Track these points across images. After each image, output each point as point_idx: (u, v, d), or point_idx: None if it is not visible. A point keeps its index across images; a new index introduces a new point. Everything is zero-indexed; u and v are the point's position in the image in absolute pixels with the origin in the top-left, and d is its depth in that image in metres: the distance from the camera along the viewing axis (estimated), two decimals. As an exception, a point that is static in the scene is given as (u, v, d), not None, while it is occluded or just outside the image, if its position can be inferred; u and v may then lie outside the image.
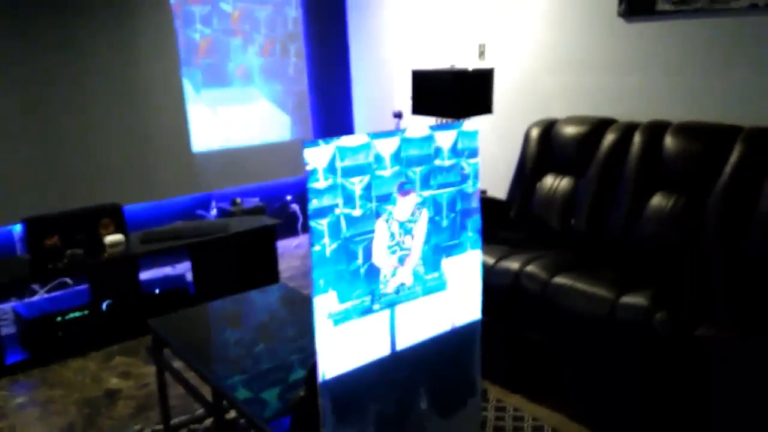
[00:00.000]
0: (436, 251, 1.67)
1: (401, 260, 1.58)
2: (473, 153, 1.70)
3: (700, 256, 2.60)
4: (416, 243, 1.61)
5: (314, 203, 1.39)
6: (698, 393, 2.13)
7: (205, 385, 2.19)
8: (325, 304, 1.45)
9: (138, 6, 4.17)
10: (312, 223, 1.40)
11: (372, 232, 1.51)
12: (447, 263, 1.70)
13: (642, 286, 2.39)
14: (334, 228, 1.44)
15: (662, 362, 2.22)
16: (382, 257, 1.54)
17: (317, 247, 1.41)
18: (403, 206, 1.57)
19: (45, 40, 3.86)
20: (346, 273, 1.48)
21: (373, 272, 1.53)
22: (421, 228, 1.61)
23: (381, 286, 1.55)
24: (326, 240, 1.42)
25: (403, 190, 1.56)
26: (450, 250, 1.70)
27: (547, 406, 2.65)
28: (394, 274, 1.58)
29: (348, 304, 1.50)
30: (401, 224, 1.57)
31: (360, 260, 1.50)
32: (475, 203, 1.74)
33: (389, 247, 1.55)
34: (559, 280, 2.59)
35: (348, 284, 1.49)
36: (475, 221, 1.75)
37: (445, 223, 1.68)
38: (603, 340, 2.41)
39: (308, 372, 1.59)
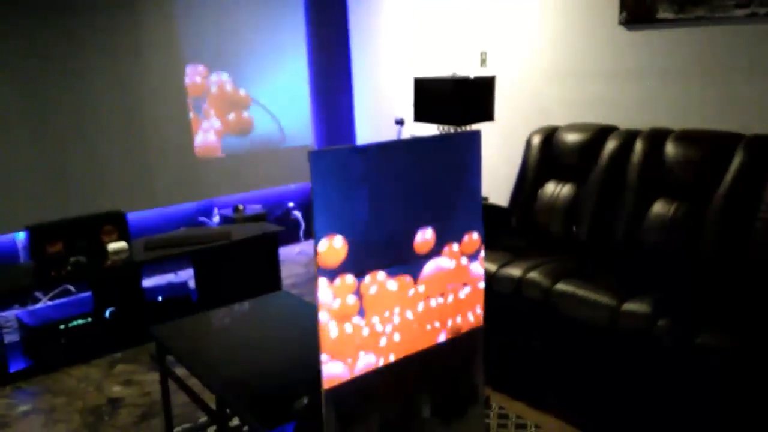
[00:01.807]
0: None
1: None
2: None
3: (701, 263, 2.61)
4: None
5: None
6: (700, 400, 2.13)
7: (207, 392, 2.19)
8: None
9: (140, 7, 4.21)
10: None
11: None
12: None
13: (644, 294, 2.39)
14: None
15: (664, 369, 2.22)
16: None
17: None
18: None
19: (48, 45, 3.89)
20: None
21: None
22: None
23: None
24: None
25: None
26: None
27: (549, 413, 2.65)
28: None
29: None
30: None
31: None
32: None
33: None
34: (560, 287, 2.59)
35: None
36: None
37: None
38: (605, 347, 2.41)
39: (313, 380, 1.59)
